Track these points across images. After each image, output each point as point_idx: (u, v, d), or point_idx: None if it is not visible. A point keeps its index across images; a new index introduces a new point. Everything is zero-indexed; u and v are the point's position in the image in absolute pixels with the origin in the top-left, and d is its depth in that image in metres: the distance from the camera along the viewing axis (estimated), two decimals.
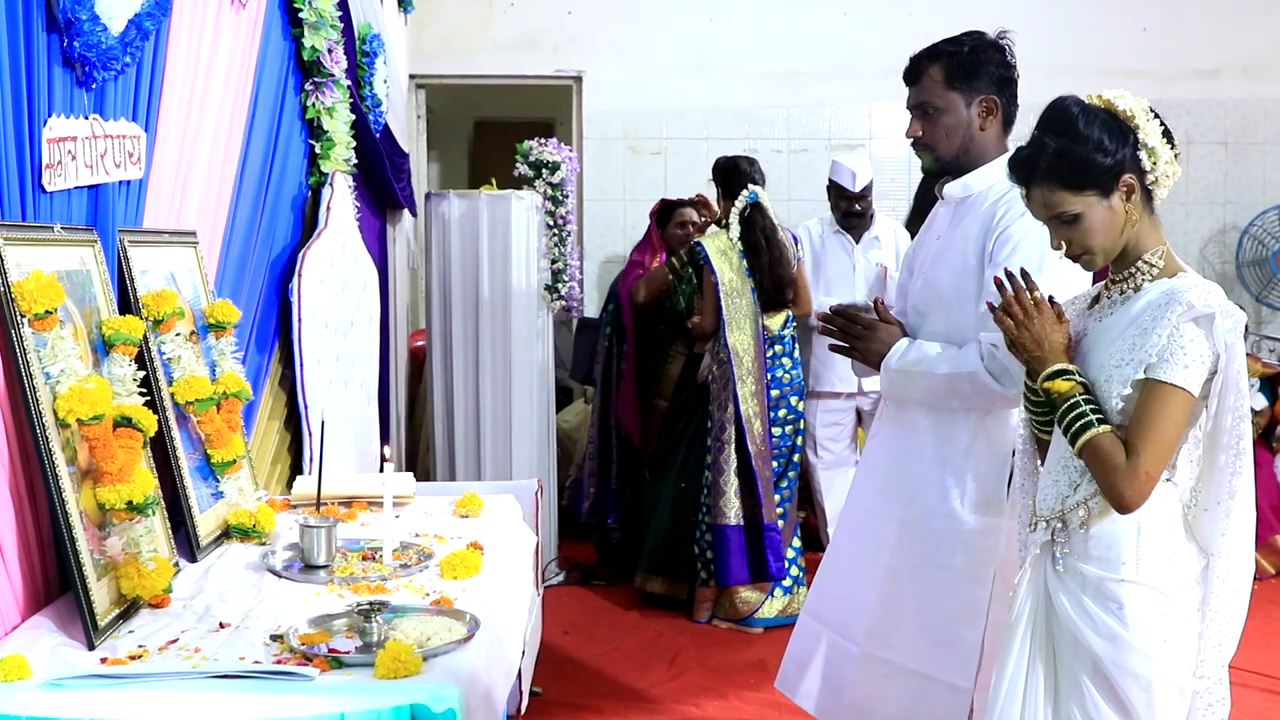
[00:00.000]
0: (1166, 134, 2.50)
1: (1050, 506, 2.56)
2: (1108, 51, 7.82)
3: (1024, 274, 2.58)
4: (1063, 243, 2.53)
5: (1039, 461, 2.69)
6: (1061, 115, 2.50)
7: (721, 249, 5.64)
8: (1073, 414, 2.45)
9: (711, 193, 6.00)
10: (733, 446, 5.58)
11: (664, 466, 6.00)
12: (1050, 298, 2.59)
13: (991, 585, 3.11)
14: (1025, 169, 2.55)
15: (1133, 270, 2.53)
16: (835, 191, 6.24)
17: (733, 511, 5.55)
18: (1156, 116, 2.50)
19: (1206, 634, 2.48)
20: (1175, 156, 2.52)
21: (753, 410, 5.56)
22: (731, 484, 5.58)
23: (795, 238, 5.90)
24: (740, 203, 5.66)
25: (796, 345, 5.84)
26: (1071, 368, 2.50)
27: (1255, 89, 8.08)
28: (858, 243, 6.25)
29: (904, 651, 3.24)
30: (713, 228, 5.92)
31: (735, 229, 5.66)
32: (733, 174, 5.75)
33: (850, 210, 6.19)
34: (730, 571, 5.56)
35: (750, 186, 5.67)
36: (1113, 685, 2.44)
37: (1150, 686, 2.43)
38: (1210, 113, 8.03)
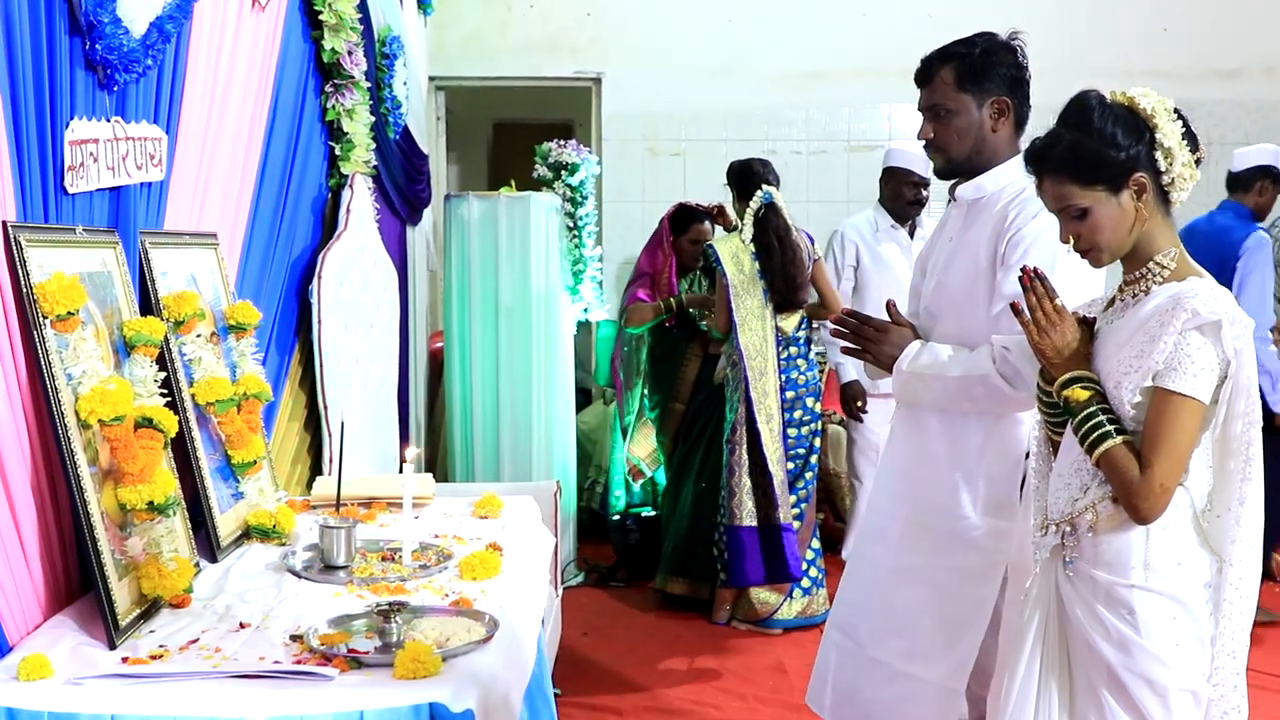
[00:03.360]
0: (1188, 136, 2.48)
1: (1060, 510, 2.55)
2: (1128, 52, 7.79)
3: (1043, 278, 2.57)
4: (1071, 237, 2.53)
5: (1053, 463, 2.67)
6: (1079, 108, 2.50)
7: (732, 251, 5.63)
8: (1089, 424, 2.44)
9: (728, 197, 5.97)
10: (744, 447, 5.58)
11: (682, 468, 6.01)
12: (1084, 316, 2.59)
13: (1001, 588, 3.11)
14: (1039, 159, 2.54)
15: (1143, 272, 2.52)
16: (900, 178, 6.02)
17: (745, 512, 5.55)
18: (1180, 118, 2.48)
19: (1220, 640, 2.46)
20: (1198, 161, 2.50)
21: (765, 411, 5.56)
22: (744, 485, 5.57)
23: (811, 238, 5.87)
24: (754, 203, 5.64)
25: (812, 347, 5.82)
26: (1089, 375, 2.49)
27: (1277, 89, 8.03)
28: (912, 238, 6.13)
29: (900, 653, 3.23)
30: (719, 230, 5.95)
31: (749, 230, 5.65)
32: (746, 176, 5.73)
33: (915, 198, 6.02)
34: (746, 572, 5.54)
35: (764, 187, 5.65)
36: (1127, 691, 2.43)
37: (1165, 692, 2.42)
38: (1231, 113, 7.99)
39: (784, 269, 5.59)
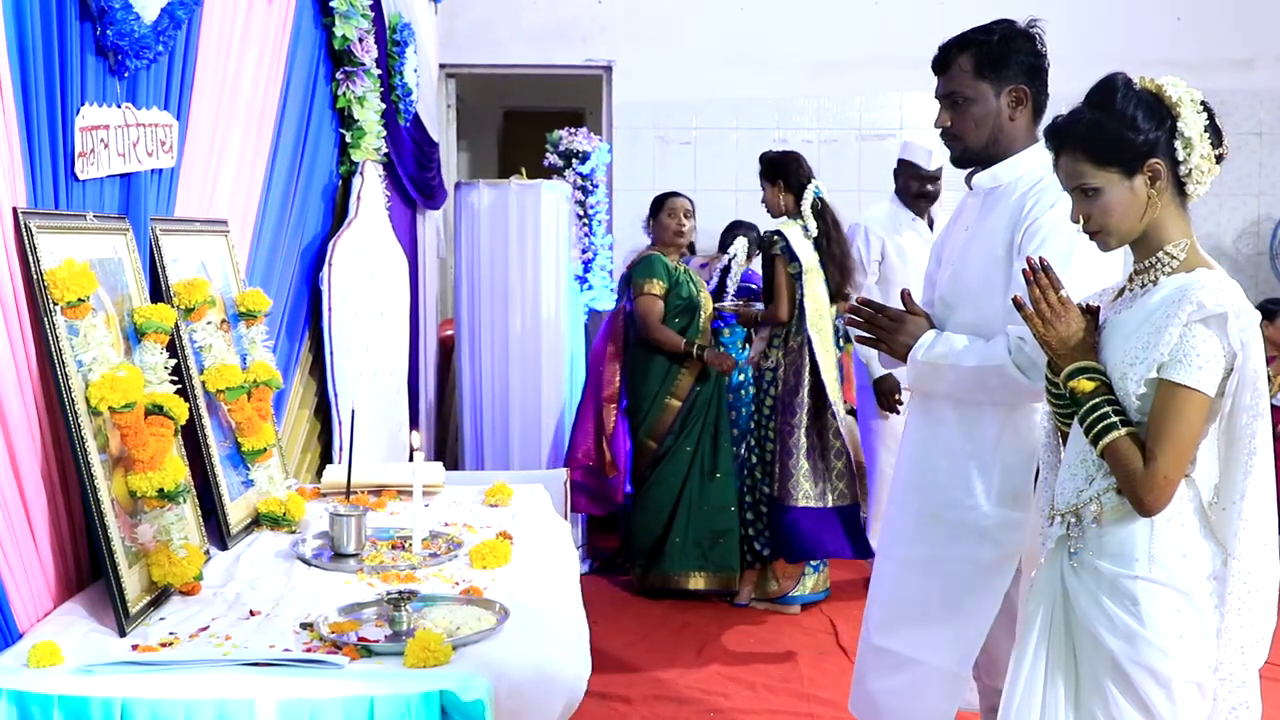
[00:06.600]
0: (1213, 130, 2.46)
1: (1066, 500, 2.54)
2: (1141, 41, 7.76)
3: (1047, 269, 2.56)
4: (1081, 216, 2.52)
5: (1062, 454, 2.66)
6: (1104, 89, 2.49)
7: (800, 236, 5.66)
8: (1094, 415, 2.43)
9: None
10: (831, 432, 5.66)
11: (670, 462, 5.96)
12: (1088, 305, 2.57)
13: (1015, 578, 3.10)
14: (1057, 134, 2.54)
15: (1152, 261, 2.51)
16: (908, 171, 5.95)
17: (836, 493, 5.65)
18: (1207, 111, 2.47)
19: (1225, 634, 2.45)
20: (1219, 158, 2.48)
21: (835, 395, 5.68)
22: (834, 467, 5.66)
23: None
24: (809, 195, 5.67)
25: (848, 339, 5.85)
26: (1095, 366, 2.48)
27: None
28: (931, 229, 6.03)
29: (909, 641, 3.24)
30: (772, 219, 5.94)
31: (812, 222, 5.67)
32: (793, 167, 5.72)
33: (922, 191, 5.93)
34: (826, 548, 5.65)
35: (814, 181, 5.69)
36: (1131, 683, 2.42)
37: (1169, 684, 2.41)
38: (1244, 103, 7.96)
39: (841, 261, 5.68)
